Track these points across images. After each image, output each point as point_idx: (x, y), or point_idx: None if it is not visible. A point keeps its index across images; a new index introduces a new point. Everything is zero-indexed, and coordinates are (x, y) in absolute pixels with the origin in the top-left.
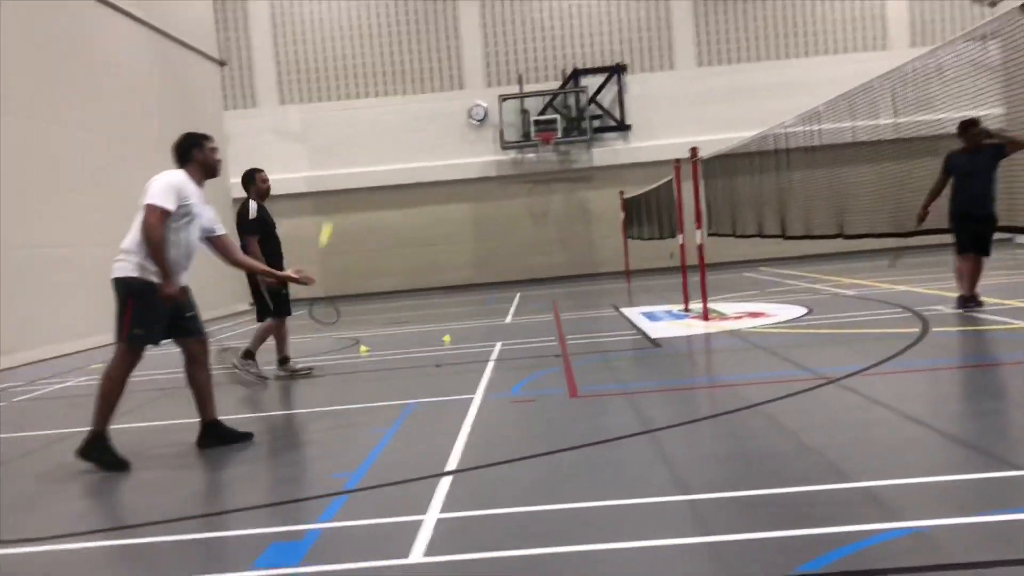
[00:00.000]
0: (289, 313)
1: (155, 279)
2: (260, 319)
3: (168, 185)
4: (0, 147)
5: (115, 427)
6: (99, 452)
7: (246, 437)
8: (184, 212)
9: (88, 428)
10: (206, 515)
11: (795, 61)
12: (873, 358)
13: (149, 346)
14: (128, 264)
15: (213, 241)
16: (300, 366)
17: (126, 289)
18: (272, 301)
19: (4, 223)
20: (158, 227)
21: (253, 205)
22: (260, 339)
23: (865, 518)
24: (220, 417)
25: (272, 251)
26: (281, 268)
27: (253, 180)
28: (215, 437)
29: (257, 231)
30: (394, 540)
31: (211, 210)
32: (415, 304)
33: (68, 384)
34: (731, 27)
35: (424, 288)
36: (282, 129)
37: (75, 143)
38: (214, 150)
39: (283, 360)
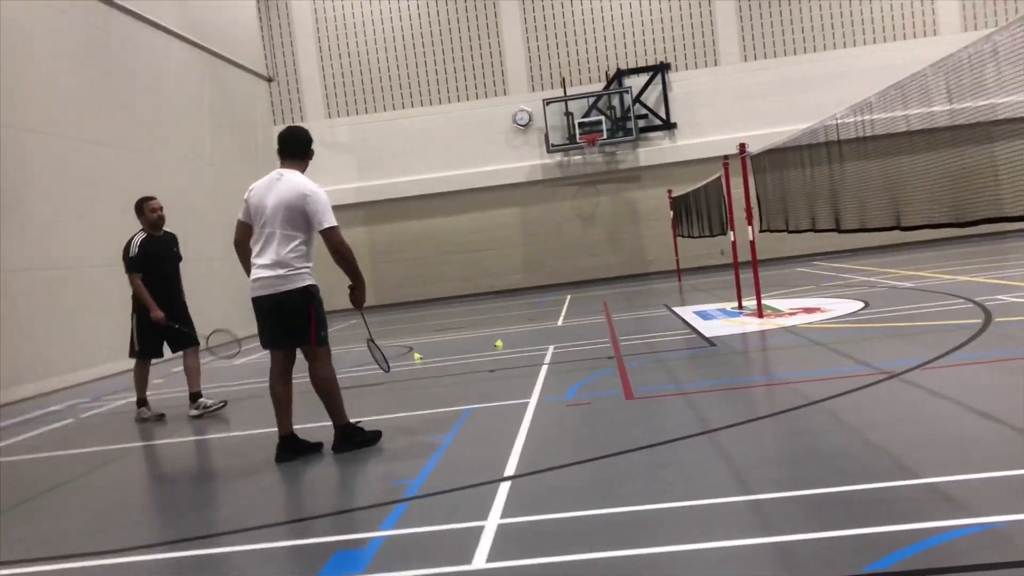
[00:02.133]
0: (152, 356)
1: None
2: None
3: (328, 201)
4: (61, 170)
5: (167, 441)
6: (357, 436)
7: (316, 447)
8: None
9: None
10: (270, 525)
11: (841, 52)
12: (935, 351)
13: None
14: (303, 275)
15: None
16: (211, 403)
17: (310, 297)
18: (140, 341)
19: (63, 244)
20: (341, 244)
21: (138, 239)
22: (140, 384)
23: (934, 515)
24: (276, 428)
25: (160, 284)
26: (173, 301)
27: (142, 210)
28: (343, 442)
29: (138, 268)
30: (457, 546)
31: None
32: (466, 310)
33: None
34: (775, 20)
35: (474, 294)
36: (330, 141)
37: (132, 166)
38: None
39: (193, 396)
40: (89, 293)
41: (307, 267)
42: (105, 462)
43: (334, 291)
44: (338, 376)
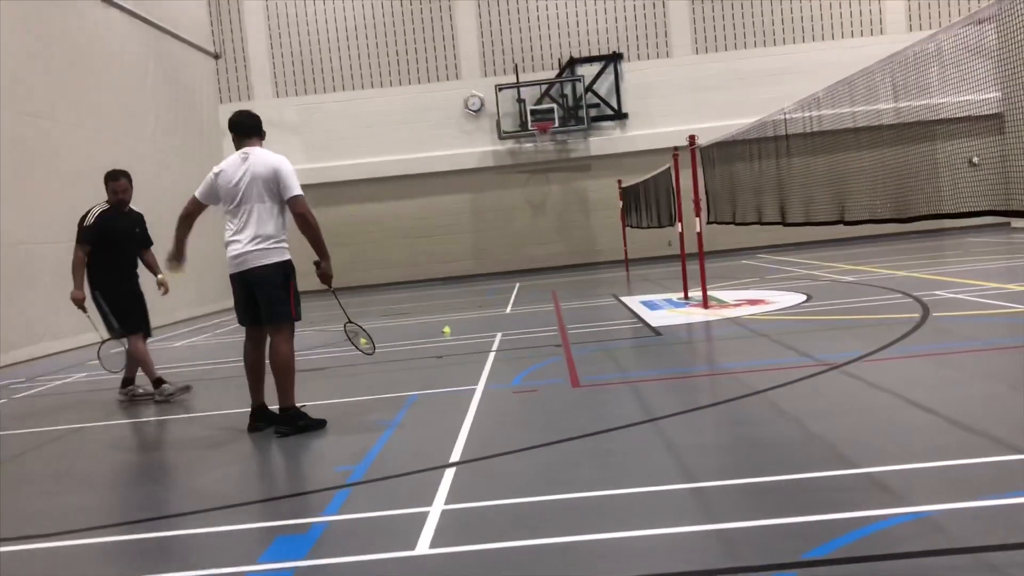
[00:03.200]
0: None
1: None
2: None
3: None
4: None
5: (103, 424)
6: (301, 420)
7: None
8: None
9: (94, 422)
10: (210, 510)
11: (792, 47)
12: (875, 344)
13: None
14: (283, 249)
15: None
16: (142, 391)
17: (288, 271)
18: (116, 317)
19: (6, 217)
20: (308, 214)
21: (97, 211)
22: (136, 363)
23: (871, 504)
24: (235, 409)
25: (113, 264)
26: (124, 283)
27: (107, 184)
28: (286, 423)
29: (88, 240)
30: (400, 532)
31: None
32: (414, 296)
33: (68, 380)
34: (727, 14)
35: (423, 280)
36: (278, 122)
37: (72, 139)
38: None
39: (125, 381)
40: (26, 270)
41: (285, 240)
42: (37, 445)
43: (347, 267)
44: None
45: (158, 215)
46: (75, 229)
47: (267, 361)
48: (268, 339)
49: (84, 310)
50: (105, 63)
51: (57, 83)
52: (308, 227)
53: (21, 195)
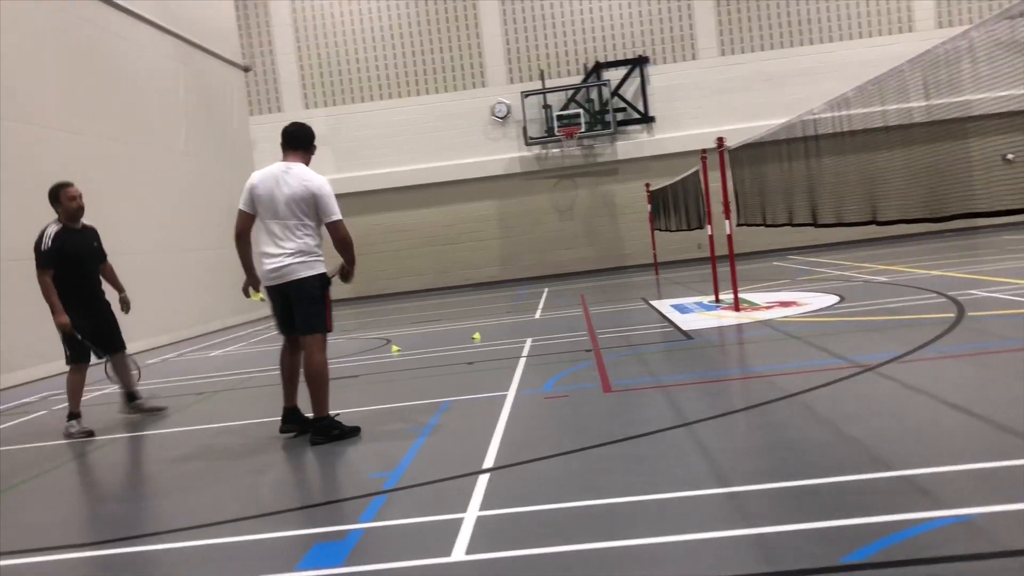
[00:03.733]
0: (108, 352)
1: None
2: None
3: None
4: (31, 159)
5: (142, 433)
6: (336, 429)
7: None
8: None
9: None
10: (247, 518)
11: (819, 47)
12: (909, 344)
13: None
14: (320, 262)
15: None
16: (151, 403)
17: (324, 283)
18: (67, 346)
19: (29, 234)
20: (345, 236)
21: (51, 231)
22: (127, 377)
23: (909, 507)
24: (268, 418)
25: (79, 284)
26: (92, 305)
27: (58, 198)
28: (321, 434)
29: (50, 264)
30: (436, 539)
31: None
32: (443, 303)
33: (106, 391)
34: (753, 15)
35: (451, 286)
36: None
37: (103, 153)
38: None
39: (129, 396)
40: None
41: (321, 255)
42: (79, 454)
43: (376, 275)
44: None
45: (188, 227)
46: (106, 241)
47: (298, 364)
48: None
49: (75, 334)
50: (137, 78)
51: (91, 98)
52: (346, 250)
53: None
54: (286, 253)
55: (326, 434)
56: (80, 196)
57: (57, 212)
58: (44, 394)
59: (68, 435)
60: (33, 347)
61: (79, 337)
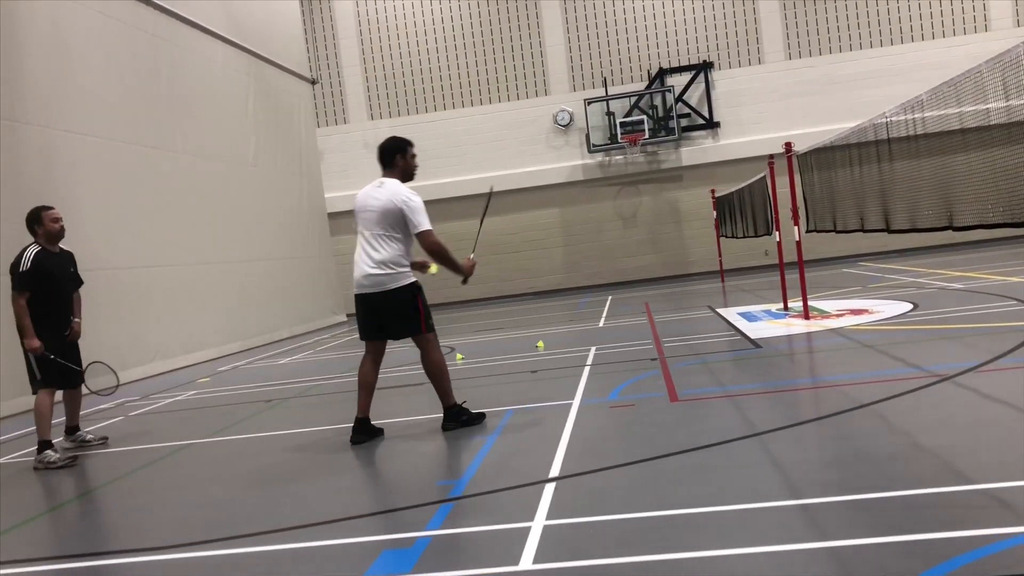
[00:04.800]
0: (73, 384)
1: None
2: (33, 391)
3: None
4: (108, 173)
5: (215, 440)
6: (464, 415)
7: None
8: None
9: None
10: (316, 524)
11: (889, 49)
12: (988, 353)
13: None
14: (407, 273)
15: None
16: (90, 436)
17: (416, 290)
18: (39, 369)
19: (111, 245)
20: (434, 244)
21: (31, 252)
22: (43, 420)
23: (990, 522)
24: (337, 425)
25: (53, 309)
26: (62, 331)
27: (40, 220)
28: (451, 420)
29: (28, 286)
30: (503, 547)
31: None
32: (506, 311)
33: (179, 398)
34: (819, 18)
35: (514, 295)
36: (373, 144)
37: (178, 167)
38: (415, 156)
39: (71, 429)
40: (140, 293)
41: (406, 265)
42: (150, 461)
43: (440, 284)
44: (381, 374)
45: (258, 238)
46: (177, 252)
47: (377, 375)
48: (419, 352)
49: (48, 355)
50: (208, 92)
51: (163, 114)
52: (438, 257)
53: (135, 222)
54: (373, 263)
55: (456, 419)
56: (61, 219)
57: (36, 234)
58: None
59: (46, 465)
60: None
61: (52, 357)
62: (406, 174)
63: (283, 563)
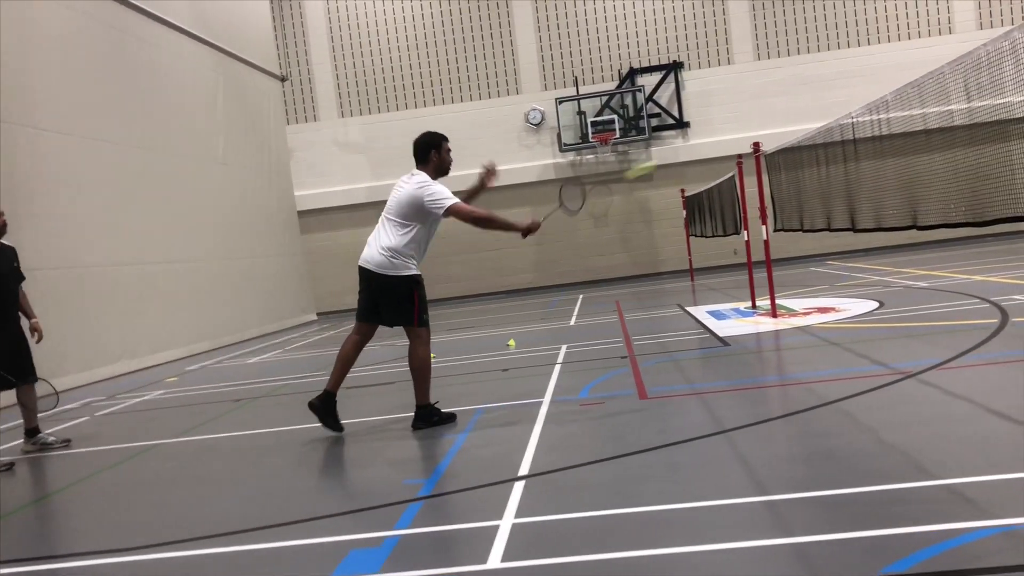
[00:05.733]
0: (12, 385)
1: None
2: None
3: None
4: (75, 169)
5: (181, 440)
6: (435, 416)
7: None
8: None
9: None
10: (283, 524)
11: (857, 50)
12: (951, 351)
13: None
14: (407, 265)
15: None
16: (52, 439)
17: (414, 284)
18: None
19: (76, 243)
20: (468, 215)
21: None
22: (33, 412)
23: (953, 517)
24: (309, 424)
25: (1, 305)
26: (7, 328)
27: None
28: (421, 419)
29: None
30: (472, 546)
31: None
32: (477, 309)
33: (146, 397)
34: (788, 19)
35: (486, 293)
36: (343, 141)
37: (139, 162)
38: (449, 151)
39: (30, 431)
40: (107, 291)
41: (414, 259)
42: (125, 458)
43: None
44: (355, 372)
45: (227, 235)
46: (143, 249)
47: (357, 355)
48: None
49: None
50: (176, 88)
51: (130, 110)
52: (481, 224)
53: (102, 219)
54: (380, 246)
55: (427, 420)
56: (4, 214)
57: None
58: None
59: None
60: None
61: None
62: (439, 170)
63: (250, 564)
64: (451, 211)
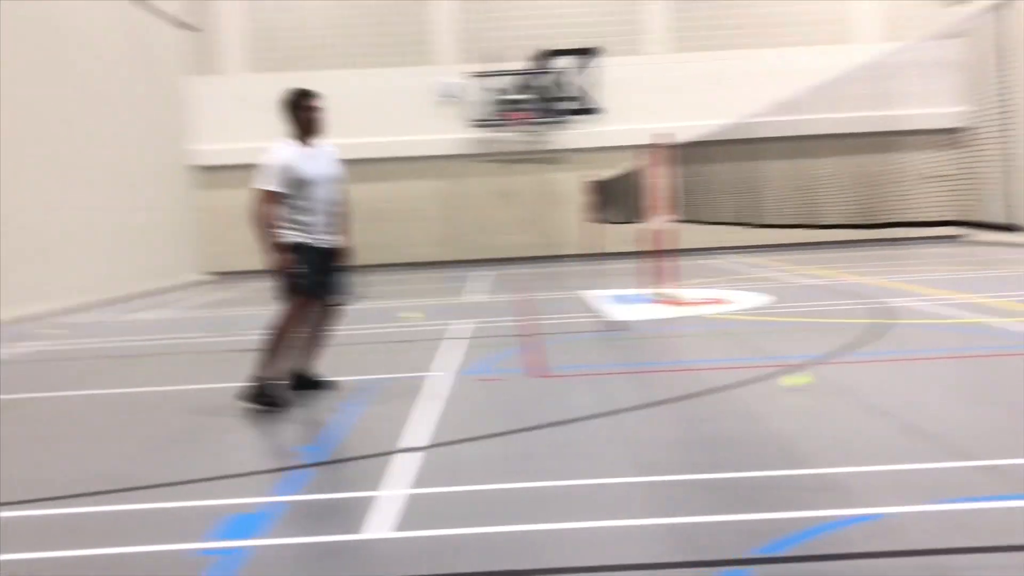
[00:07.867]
0: None
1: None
2: None
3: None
4: None
5: (57, 394)
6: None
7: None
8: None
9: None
10: (158, 486)
11: (770, 51)
12: (834, 347)
13: None
14: (287, 231)
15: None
16: None
17: (290, 250)
18: None
19: None
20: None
21: None
22: None
23: (823, 504)
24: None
25: None
26: None
27: None
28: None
29: None
30: (350, 515)
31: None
32: (378, 280)
33: (26, 349)
34: (704, 14)
35: (387, 264)
36: (249, 97)
37: (26, 107)
38: (313, 108)
39: None
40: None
41: (287, 225)
42: None
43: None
44: (232, 337)
45: (121, 186)
46: (33, 199)
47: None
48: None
49: None
50: (70, 32)
51: (15, 50)
52: (252, 220)
53: None
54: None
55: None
56: None
57: None
58: None
59: None
60: None
61: None
62: (307, 129)
63: (120, 524)
64: (255, 191)
